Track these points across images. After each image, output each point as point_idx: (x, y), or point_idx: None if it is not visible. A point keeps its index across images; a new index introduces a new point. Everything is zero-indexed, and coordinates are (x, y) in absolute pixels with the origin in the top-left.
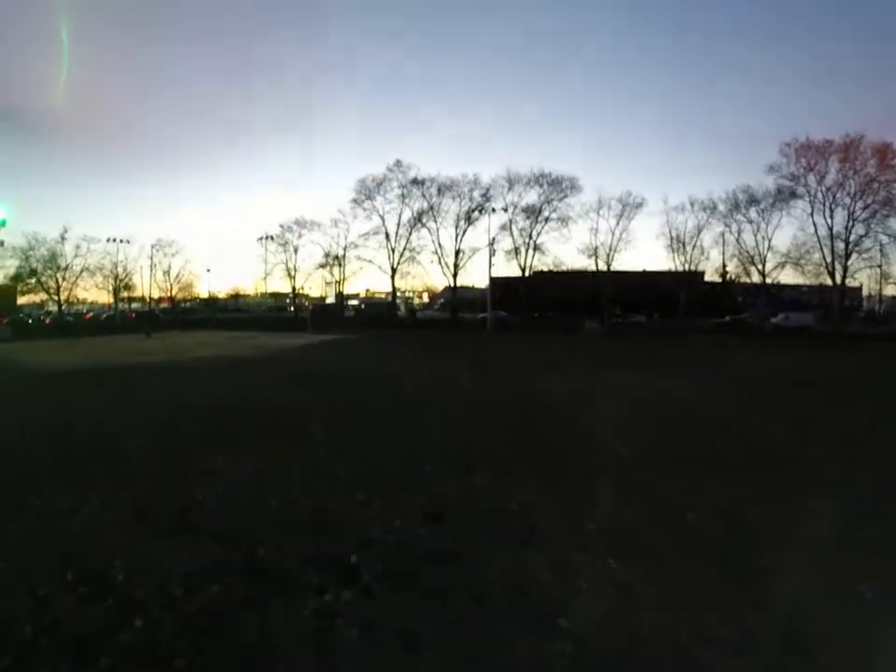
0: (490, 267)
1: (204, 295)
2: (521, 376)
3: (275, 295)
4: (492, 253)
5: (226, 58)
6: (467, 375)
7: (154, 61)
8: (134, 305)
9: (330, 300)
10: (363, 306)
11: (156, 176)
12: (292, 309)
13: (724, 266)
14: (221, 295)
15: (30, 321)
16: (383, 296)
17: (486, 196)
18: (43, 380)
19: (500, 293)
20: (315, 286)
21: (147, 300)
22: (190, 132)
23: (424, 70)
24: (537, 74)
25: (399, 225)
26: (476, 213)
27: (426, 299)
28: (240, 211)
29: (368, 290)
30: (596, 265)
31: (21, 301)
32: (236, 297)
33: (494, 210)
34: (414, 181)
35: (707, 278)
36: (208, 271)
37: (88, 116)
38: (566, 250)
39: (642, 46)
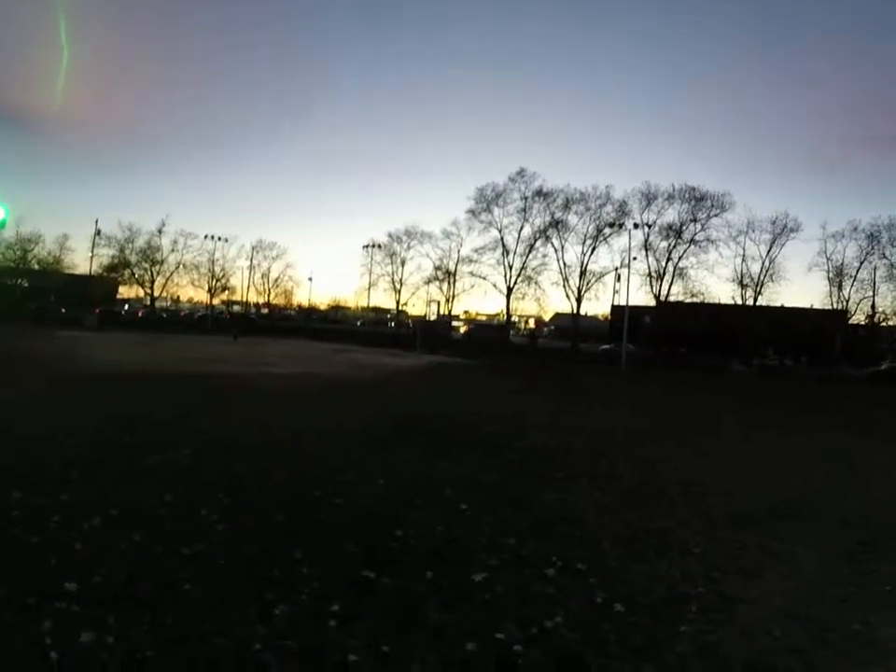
0: (615, 293)
1: (304, 303)
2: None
3: (376, 309)
4: (618, 277)
5: (334, 49)
6: (669, 445)
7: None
8: (235, 308)
9: (432, 318)
10: (472, 327)
11: (260, 177)
12: (392, 325)
13: (873, 305)
14: (322, 305)
15: (122, 313)
16: (483, 318)
17: (623, 210)
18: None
19: (622, 323)
20: (420, 302)
21: (245, 302)
22: (301, 131)
23: (554, 73)
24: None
25: (518, 241)
26: (608, 230)
27: (531, 324)
28: (349, 219)
29: (467, 312)
30: (743, 297)
31: (125, 295)
32: (336, 308)
33: (625, 227)
34: (539, 192)
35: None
36: (310, 279)
37: (196, 111)
38: (704, 278)
39: (804, 48)
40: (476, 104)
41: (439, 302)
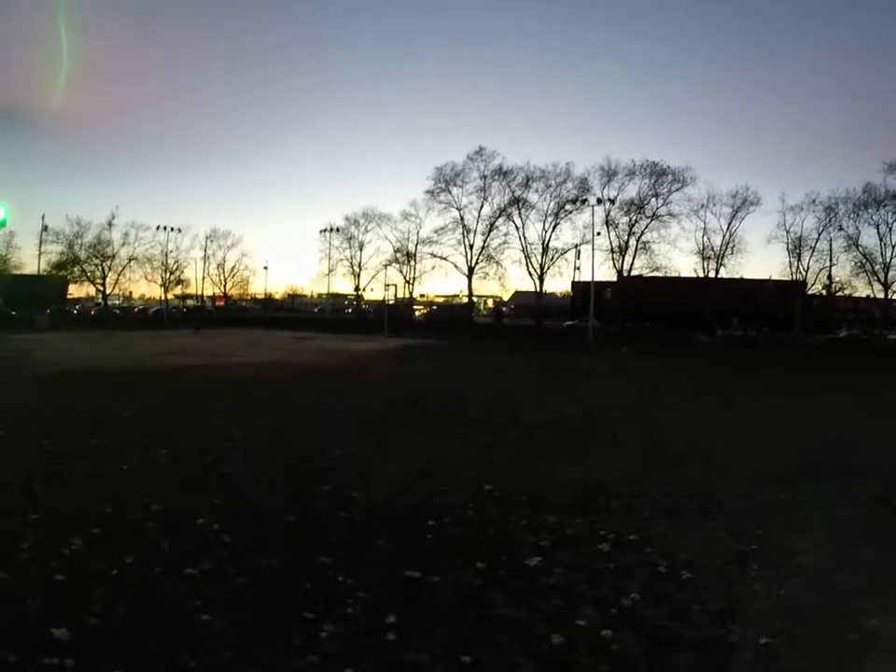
0: (576, 269)
1: (260, 293)
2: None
3: (334, 295)
4: (578, 253)
5: (286, 35)
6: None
7: (204, 47)
8: (189, 302)
9: (391, 302)
10: (434, 309)
11: (211, 165)
12: (349, 310)
13: (830, 276)
14: (277, 294)
15: (74, 312)
16: (442, 300)
17: (584, 187)
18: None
19: (583, 299)
20: (379, 285)
21: (200, 295)
22: (251, 117)
23: (510, 50)
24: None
25: (478, 220)
26: (570, 206)
27: (490, 304)
28: (303, 204)
29: (423, 295)
30: (705, 270)
31: (75, 293)
32: (293, 297)
33: (588, 203)
34: (498, 171)
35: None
36: (265, 268)
37: (136, 103)
38: (666, 252)
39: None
40: (432, 81)
41: (395, 286)
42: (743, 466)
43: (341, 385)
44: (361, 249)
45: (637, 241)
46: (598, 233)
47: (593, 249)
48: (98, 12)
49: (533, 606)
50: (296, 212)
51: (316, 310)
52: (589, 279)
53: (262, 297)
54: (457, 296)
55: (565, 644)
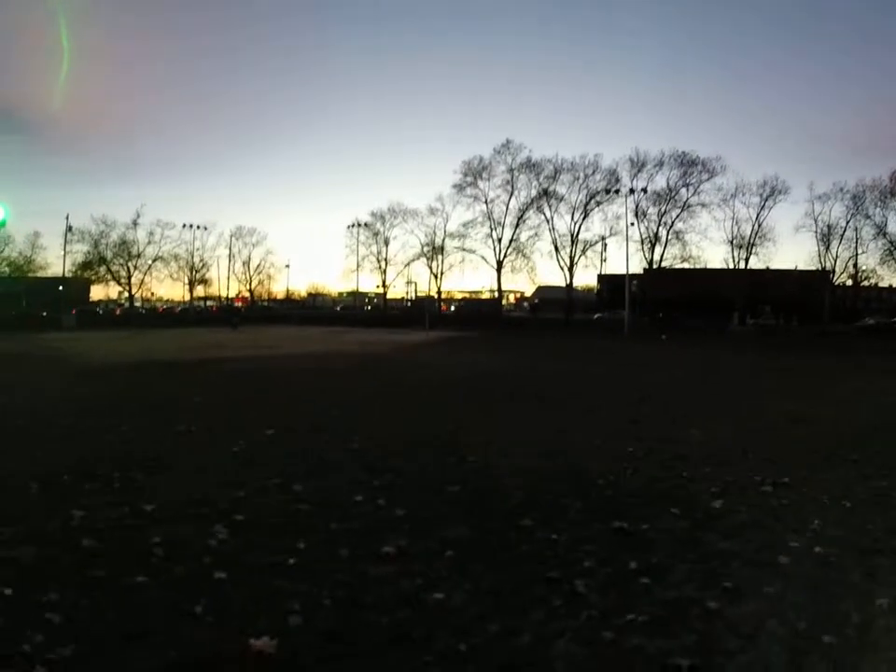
0: (602, 262)
1: (282, 292)
2: None
3: (354, 294)
4: (604, 246)
5: (311, 29)
6: None
7: (231, 45)
8: (209, 303)
9: (414, 298)
10: (463, 303)
11: (237, 162)
12: (369, 307)
13: (856, 265)
14: (300, 293)
15: (99, 312)
16: (466, 295)
17: (614, 178)
18: None
19: (610, 292)
20: (402, 282)
21: (224, 295)
22: (276, 114)
23: (536, 42)
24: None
25: (506, 214)
26: (602, 196)
27: (511, 299)
28: (328, 201)
29: (448, 291)
30: (735, 260)
31: (97, 295)
32: (315, 295)
33: (620, 193)
34: (526, 164)
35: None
36: (287, 266)
37: (160, 102)
38: (698, 242)
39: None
40: (457, 75)
41: (416, 283)
42: (837, 427)
43: (402, 370)
44: (387, 245)
45: (668, 231)
46: (633, 223)
47: (627, 240)
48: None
49: (742, 539)
50: (319, 209)
51: (339, 308)
52: (614, 271)
53: (284, 296)
54: (480, 291)
55: (792, 562)
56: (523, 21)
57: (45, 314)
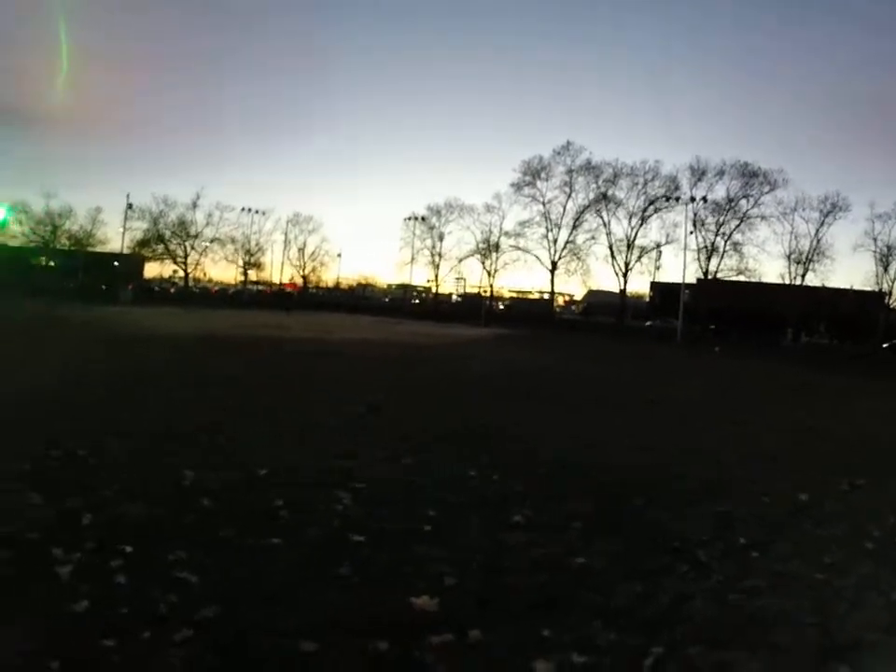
0: (656, 269)
1: (332, 280)
2: None
3: (403, 286)
4: (659, 253)
5: (373, 23)
6: None
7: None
8: (260, 287)
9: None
10: (515, 301)
11: (298, 149)
12: (416, 301)
13: None
14: (349, 282)
15: (155, 289)
16: (516, 294)
17: (674, 185)
18: None
19: (662, 300)
20: (456, 276)
21: (276, 280)
22: (340, 105)
23: (601, 45)
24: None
25: (563, 215)
26: (662, 202)
27: (560, 301)
28: (384, 193)
29: (497, 289)
30: (791, 275)
31: (150, 273)
32: (364, 286)
33: (680, 199)
34: (585, 166)
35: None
36: (339, 255)
37: (235, 85)
38: (755, 255)
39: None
40: (521, 74)
41: (465, 280)
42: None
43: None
44: (441, 240)
45: (726, 242)
46: (692, 232)
47: (685, 248)
48: None
49: (832, 525)
50: (374, 200)
51: (386, 299)
52: (668, 279)
53: (332, 285)
54: (530, 291)
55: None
56: (589, 24)
57: (104, 287)
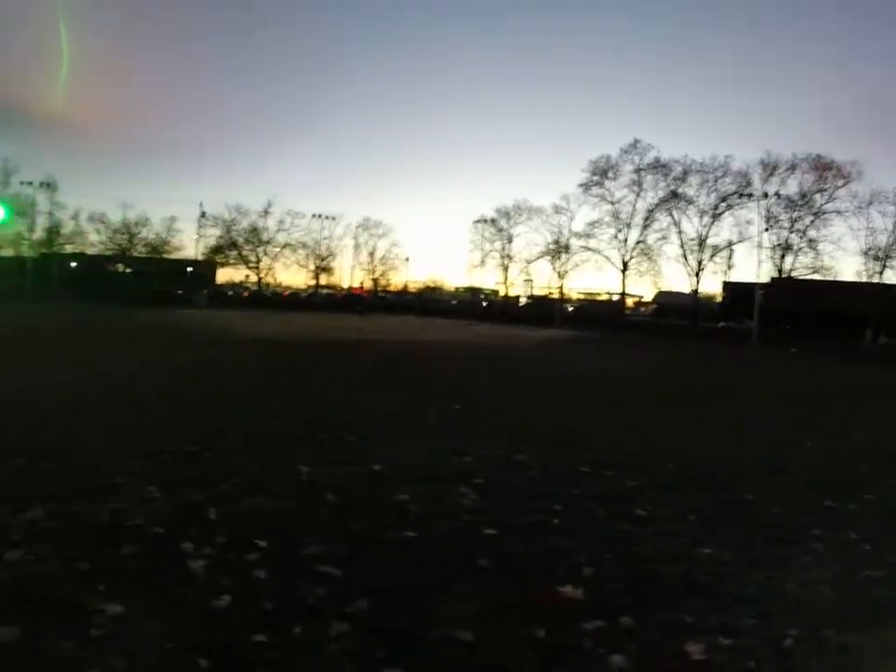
0: (728, 268)
1: (400, 283)
2: None
3: (471, 289)
4: (731, 252)
5: (436, 27)
6: None
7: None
8: (328, 291)
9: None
10: (583, 304)
11: (365, 154)
12: (485, 304)
13: None
14: (417, 285)
15: (229, 294)
16: (580, 296)
17: (746, 179)
18: None
19: (734, 300)
20: (519, 280)
21: (344, 284)
22: (405, 108)
23: (664, 40)
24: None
25: (633, 215)
26: (731, 200)
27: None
28: (449, 196)
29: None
30: (869, 272)
31: (222, 278)
32: (432, 289)
33: (753, 196)
34: (654, 164)
35: None
36: (406, 259)
37: (301, 89)
38: (831, 251)
39: None
40: (586, 72)
41: (532, 281)
42: None
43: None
44: (510, 242)
45: (800, 238)
46: (767, 229)
47: (759, 246)
48: None
49: None
50: (440, 203)
51: (454, 302)
52: (740, 279)
53: (399, 289)
54: (598, 292)
55: None
56: (653, 21)
57: (179, 292)
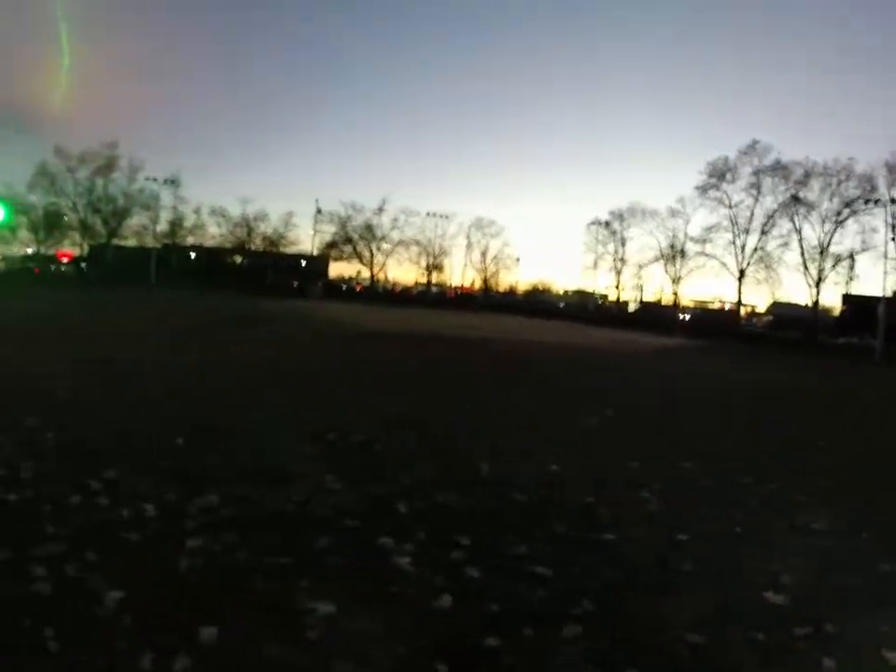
0: (850, 280)
1: (509, 284)
2: None
3: (579, 292)
4: (852, 263)
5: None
6: None
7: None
8: (438, 289)
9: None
10: (697, 312)
11: (480, 151)
12: (593, 308)
13: None
14: (525, 286)
15: (343, 287)
16: (689, 304)
17: (871, 184)
18: None
19: (854, 314)
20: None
21: (453, 283)
22: (520, 109)
23: (783, 39)
24: None
25: (750, 219)
26: (855, 206)
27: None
28: (561, 198)
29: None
30: None
31: (333, 272)
32: (541, 291)
33: (881, 202)
34: (774, 166)
35: None
36: (517, 259)
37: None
38: None
39: None
40: (703, 71)
41: (673, 281)
42: None
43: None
44: (624, 245)
45: None
46: (894, 238)
47: (885, 256)
48: None
49: None
50: (554, 205)
51: (561, 305)
52: (862, 292)
53: (508, 288)
54: (710, 300)
55: None
56: (770, 15)
57: (295, 284)
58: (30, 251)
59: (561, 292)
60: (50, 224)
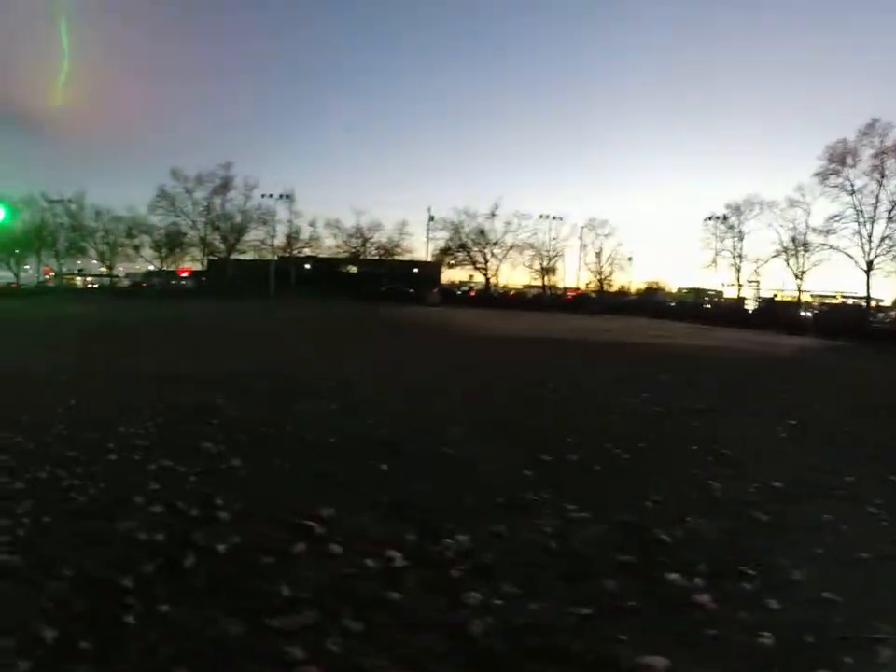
0: None
1: (623, 284)
2: None
3: (695, 290)
4: None
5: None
6: None
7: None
8: (551, 292)
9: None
10: (823, 309)
11: (588, 153)
12: (707, 306)
13: None
14: (638, 286)
15: (458, 292)
16: (808, 299)
17: None
18: None
19: None
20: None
21: (567, 284)
22: (630, 107)
23: None
24: None
25: (876, 206)
26: None
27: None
28: (675, 195)
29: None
30: None
31: (445, 278)
32: (654, 290)
33: None
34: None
35: None
36: (630, 259)
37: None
38: None
39: None
40: (821, 55)
41: (796, 276)
42: None
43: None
44: (742, 239)
45: None
46: None
47: None
48: None
49: None
50: (667, 202)
51: (672, 304)
52: None
53: (619, 288)
54: (833, 295)
55: None
56: None
57: (411, 290)
58: (151, 267)
59: (675, 291)
60: (172, 242)
